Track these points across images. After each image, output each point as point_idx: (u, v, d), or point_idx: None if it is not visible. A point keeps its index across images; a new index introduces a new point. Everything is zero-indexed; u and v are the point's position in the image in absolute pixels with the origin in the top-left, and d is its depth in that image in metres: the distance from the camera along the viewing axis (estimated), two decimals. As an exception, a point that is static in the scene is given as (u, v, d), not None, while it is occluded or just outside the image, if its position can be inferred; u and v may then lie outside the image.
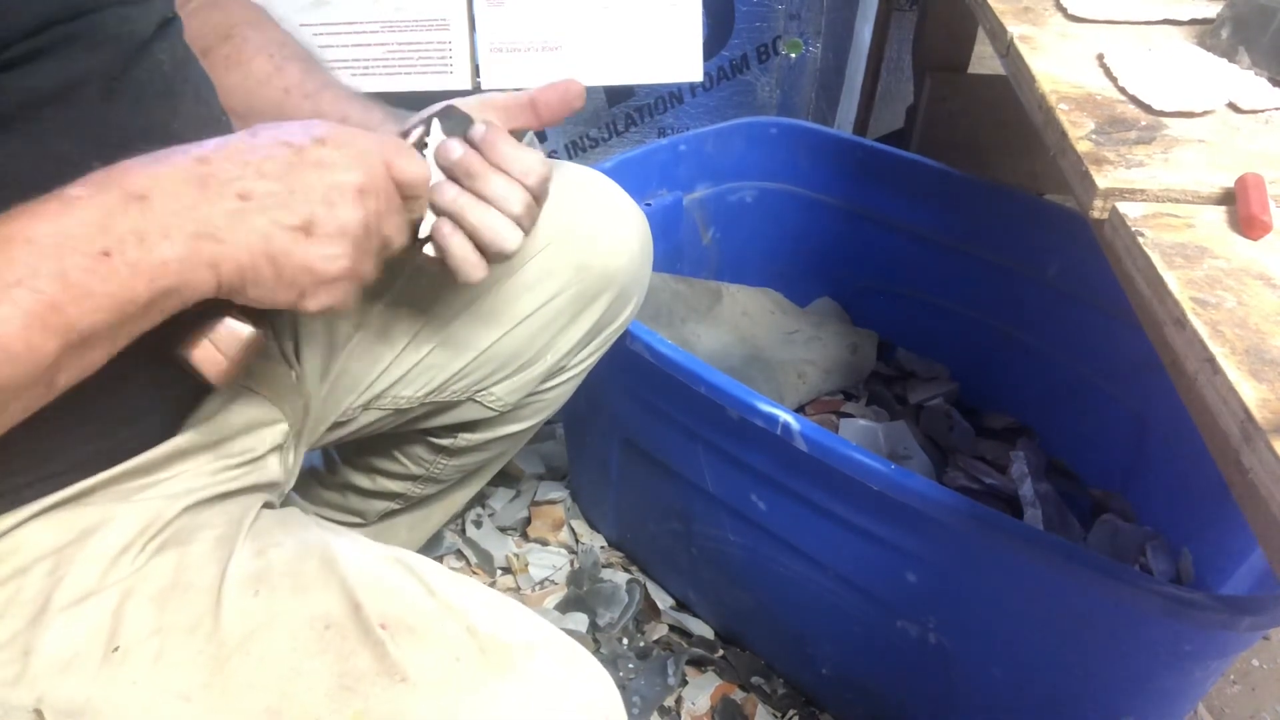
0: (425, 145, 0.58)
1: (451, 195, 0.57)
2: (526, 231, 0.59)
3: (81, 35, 0.48)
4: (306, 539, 0.56)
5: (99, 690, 0.48)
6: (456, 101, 0.61)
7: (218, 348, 0.49)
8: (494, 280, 0.73)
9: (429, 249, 0.59)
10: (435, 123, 0.58)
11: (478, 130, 0.58)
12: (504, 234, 0.58)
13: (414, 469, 0.88)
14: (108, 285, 0.41)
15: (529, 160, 0.58)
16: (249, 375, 0.63)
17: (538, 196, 0.59)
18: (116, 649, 0.49)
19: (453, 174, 0.57)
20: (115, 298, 0.42)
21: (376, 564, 0.55)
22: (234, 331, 0.49)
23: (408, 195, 0.53)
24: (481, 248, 0.58)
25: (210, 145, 0.47)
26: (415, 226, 0.57)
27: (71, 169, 0.43)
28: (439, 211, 0.58)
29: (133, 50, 0.51)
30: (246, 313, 0.50)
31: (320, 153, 0.48)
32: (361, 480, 0.91)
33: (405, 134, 0.59)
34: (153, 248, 0.43)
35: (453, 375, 0.76)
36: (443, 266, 0.59)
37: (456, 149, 0.57)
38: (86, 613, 0.50)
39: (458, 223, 0.57)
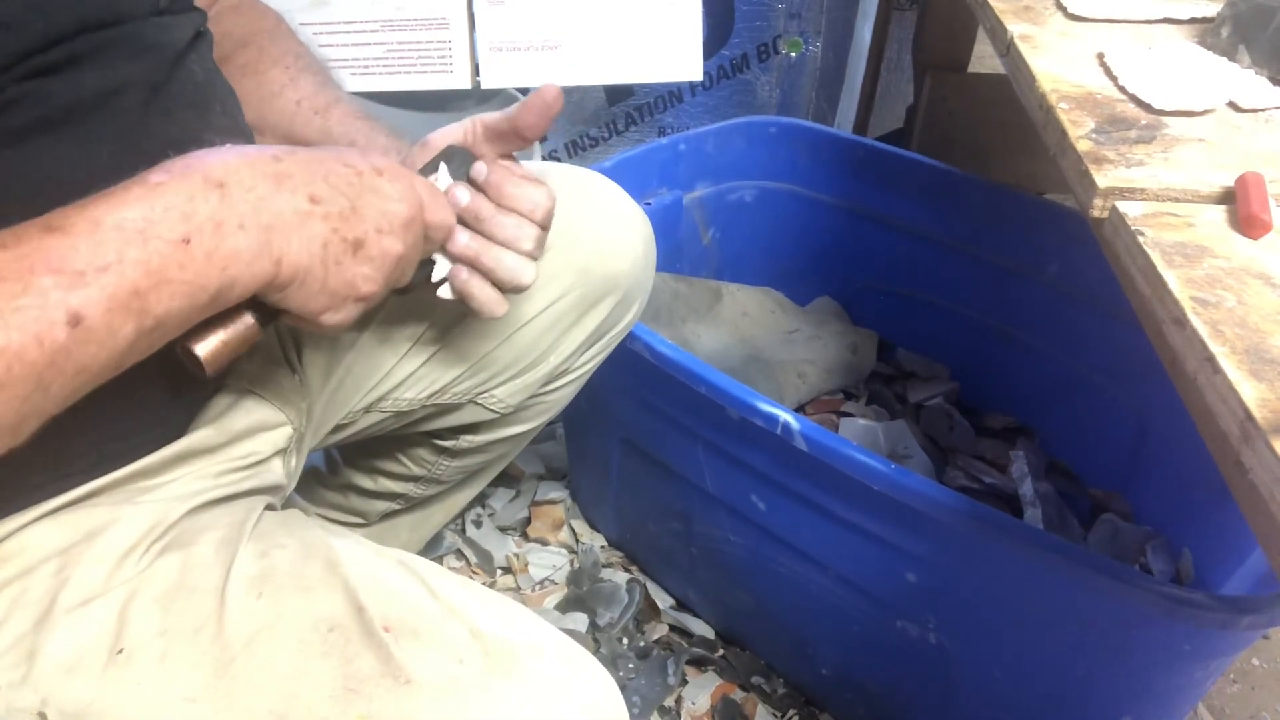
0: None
1: (465, 241, 0.59)
2: (537, 259, 0.61)
3: (121, 43, 0.49)
4: (309, 541, 0.56)
5: (104, 692, 0.48)
6: (446, 130, 0.62)
7: (226, 343, 0.49)
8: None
9: (445, 291, 0.61)
10: (443, 167, 0.59)
11: (480, 170, 0.59)
12: (519, 271, 0.60)
13: (415, 470, 0.88)
14: (185, 273, 0.42)
15: (534, 196, 0.60)
16: (253, 380, 0.63)
17: (545, 227, 0.61)
18: (121, 651, 0.49)
19: (463, 219, 0.59)
20: (190, 285, 0.43)
21: (379, 566, 0.55)
22: (250, 329, 0.50)
23: (430, 239, 0.55)
24: (498, 285, 0.60)
25: (280, 148, 0.48)
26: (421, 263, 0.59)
27: (111, 175, 0.44)
28: (453, 258, 0.60)
29: (171, 60, 0.53)
30: (259, 314, 0.50)
31: (378, 181, 0.51)
32: (363, 481, 0.91)
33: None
34: (228, 236, 0.44)
35: (455, 378, 0.76)
36: (463, 304, 0.61)
37: (464, 195, 0.59)
38: (92, 615, 0.50)
39: (474, 266, 0.59)
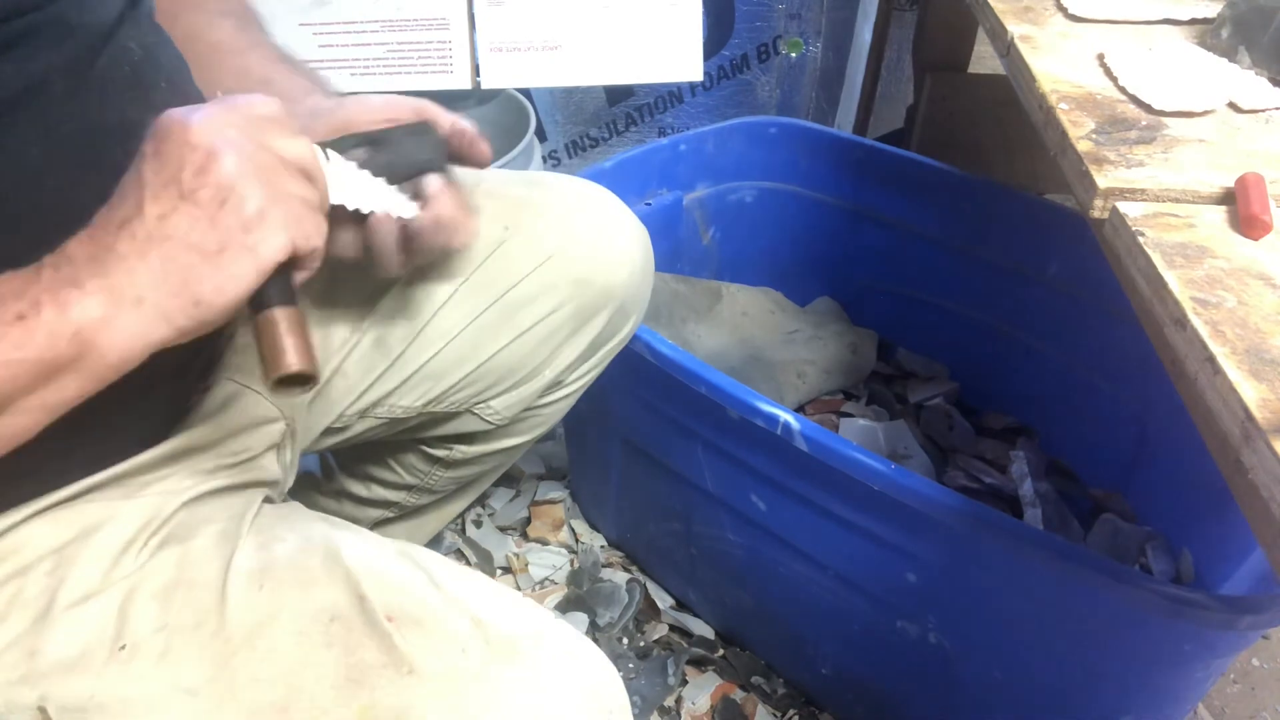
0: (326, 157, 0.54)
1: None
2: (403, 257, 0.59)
3: (41, 30, 0.46)
4: (309, 533, 0.56)
5: (105, 687, 0.48)
6: (389, 100, 0.59)
7: (287, 343, 0.46)
8: (494, 293, 0.73)
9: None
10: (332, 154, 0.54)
11: (432, 185, 0.57)
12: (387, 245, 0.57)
13: (409, 479, 0.87)
14: (24, 351, 0.40)
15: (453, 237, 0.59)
16: (245, 375, 0.63)
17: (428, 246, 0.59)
18: (123, 647, 0.49)
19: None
20: (38, 363, 0.40)
21: (380, 557, 0.55)
22: (284, 319, 0.46)
23: (300, 171, 0.47)
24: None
25: (101, 217, 0.43)
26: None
27: (43, 173, 0.42)
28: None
29: (98, 41, 0.49)
30: (276, 292, 0.47)
31: (162, 136, 0.43)
32: (357, 488, 0.91)
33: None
34: (65, 305, 0.40)
35: (450, 386, 0.75)
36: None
37: (387, 235, 0.57)
38: (91, 611, 0.50)
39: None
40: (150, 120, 0.46)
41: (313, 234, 0.46)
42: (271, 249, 0.44)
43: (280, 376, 0.46)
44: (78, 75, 0.48)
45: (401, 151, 0.56)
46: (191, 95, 0.56)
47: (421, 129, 0.58)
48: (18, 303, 0.40)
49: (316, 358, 0.47)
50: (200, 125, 0.43)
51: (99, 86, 0.49)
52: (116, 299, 0.41)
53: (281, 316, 0.46)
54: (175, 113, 0.44)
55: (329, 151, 0.54)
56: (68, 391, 0.42)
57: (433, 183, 0.58)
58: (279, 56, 0.64)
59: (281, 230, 0.44)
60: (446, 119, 0.60)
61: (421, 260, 0.60)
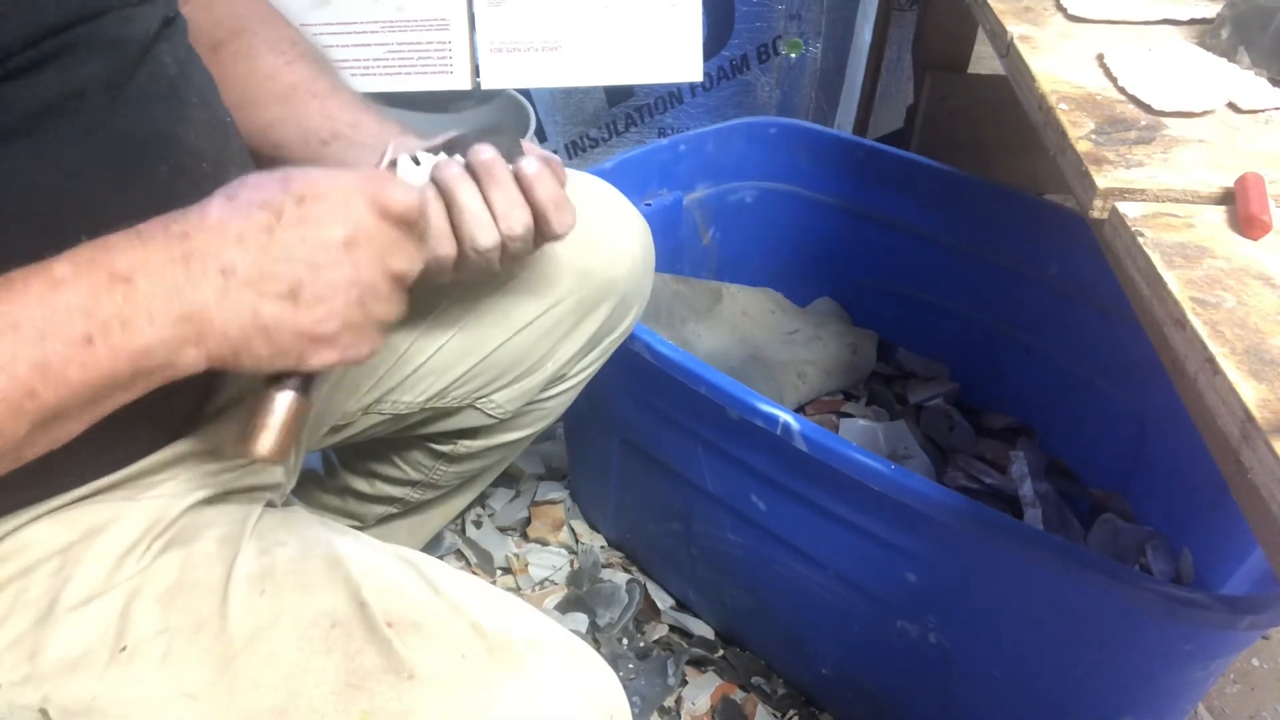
0: (419, 162, 0.57)
1: (454, 172, 0.57)
2: (501, 256, 0.59)
3: (82, 41, 0.47)
4: (310, 538, 0.56)
5: (106, 689, 0.48)
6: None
7: (271, 429, 0.50)
8: (495, 286, 0.73)
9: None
10: (403, 157, 0.57)
11: (482, 152, 0.57)
12: (479, 225, 0.57)
13: (413, 474, 0.88)
14: (87, 373, 0.42)
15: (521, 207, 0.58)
16: (249, 379, 0.63)
17: (524, 240, 0.59)
18: (124, 649, 0.49)
19: (472, 171, 0.57)
20: (92, 384, 0.42)
21: (381, 562, 0.55)
22: (285, 407, 0.50)
23: (405, 224, 0.51)
24: (458, 231, 0.57)
25: (193, 216, 0.46)
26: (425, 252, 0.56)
27: (79, 180, 0.43)
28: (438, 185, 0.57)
29: (136, 54, 0.51)
30: (299, 381, 0.51)
31: (300, 211, 0.47)
32: (360, 485, 0.91)
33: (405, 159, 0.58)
34: (136, 333, 0.43)
35: (453, 381, 0.76)
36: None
37: (487, 151, 0.57)
38: (93, 613, 0.50)
39: (448, 200, 0.57)
40: (183, 132, 0.50)
41: (364, 353, 0.50)
42: (318, 362, 0.49)
43: (248, 455, 0.50)
44: (117, 86, 0.49)
45: (466, 143, 0.58)
46: (219, 110, 0.58)
47: (494, 128, 0.59)
48: (87, 322, 0.42)
49: (289, 450, 0.50)
50: (348, 232, 0.47)
51: (136, 98, 0.50)
52: (182, 333, 0.44)
53: (284, 404, 0.50)
54: (336, 185, 0.48)
55: (419, 155, 0.57)
56: (116, 404, 0.45)
57: (530, 164, 0.58)
58: (361, 100, 0.65)
59: (337, 352, 0.49)
60: (536, 150, 0.61)
61: (522, 254, 0.59)
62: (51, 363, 0.40)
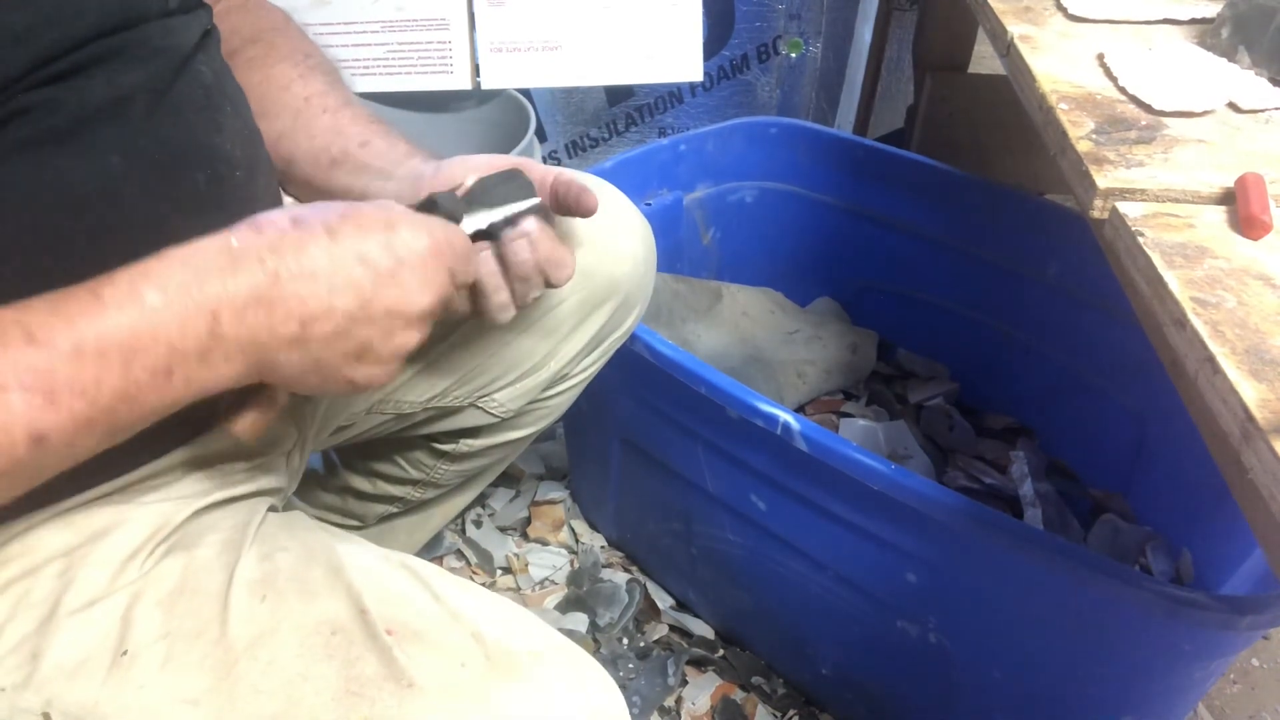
0: (459, 219, 0.58)
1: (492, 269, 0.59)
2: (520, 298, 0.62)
3: (128, 48, 0.48)
4: (312, 543, 0.56)
5: (106, 694, 0.48)
6: (492, 158, 0.62)
7: (257, 416, 0.52)
8: None
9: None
10: (481, 213, 0.59)
11: (529, 226, 0.59)
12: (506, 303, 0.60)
13: (414, 474, 0.88)
14: (162, 399, 0.43)
15: (565, 264, 0.61)
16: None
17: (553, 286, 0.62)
18: (125, 653, 0.49)
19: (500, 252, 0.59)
20: (161, 410, 0.44)
21: (382, 569, 0.55)
22: (275, 400, 0.52)
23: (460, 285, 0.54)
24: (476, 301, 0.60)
25: (289, 254, 0.46)
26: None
27: (121, 185, 0.43)
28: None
29: (177, 63, 0.52)
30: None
31: (396, 277, 0.48)
32: (361, 484, 0.91)
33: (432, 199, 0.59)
34: (211, 368, 0.44)
35: (455, 381, 0.76)
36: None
37: (524, 251, 0.59)
38: (95, 617, 0.50)
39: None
40: (219, 141, 0.51)
41: (381, 382, 0.51)
42: (334, 390, 0.50)
43: (228, 428, 0.51)
44: (158, 94, 0.50)
45: (496, 195, 0.59)
46: (249, 120, 0.59)
47: (512, 174, 0.60)
48: (170, 356, 0.43)
49: (262, 433, 0.52)
50: (429, 304, 0.50)
51: (176, 107, 0.51)
52: (250, 373, 0.46)
53: (283, 393, 0.51)
54: (432, 252, 0.50)
55: (455, 207, 0.58)
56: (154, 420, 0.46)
57: (529, 224, 0.59)
58: (370, 116, 0.66)
59: (349, 386, 0.50)
60: (539, 170, 0.62)
61: (524, 302, 0.62)
62: (132, 391, 0.42)
